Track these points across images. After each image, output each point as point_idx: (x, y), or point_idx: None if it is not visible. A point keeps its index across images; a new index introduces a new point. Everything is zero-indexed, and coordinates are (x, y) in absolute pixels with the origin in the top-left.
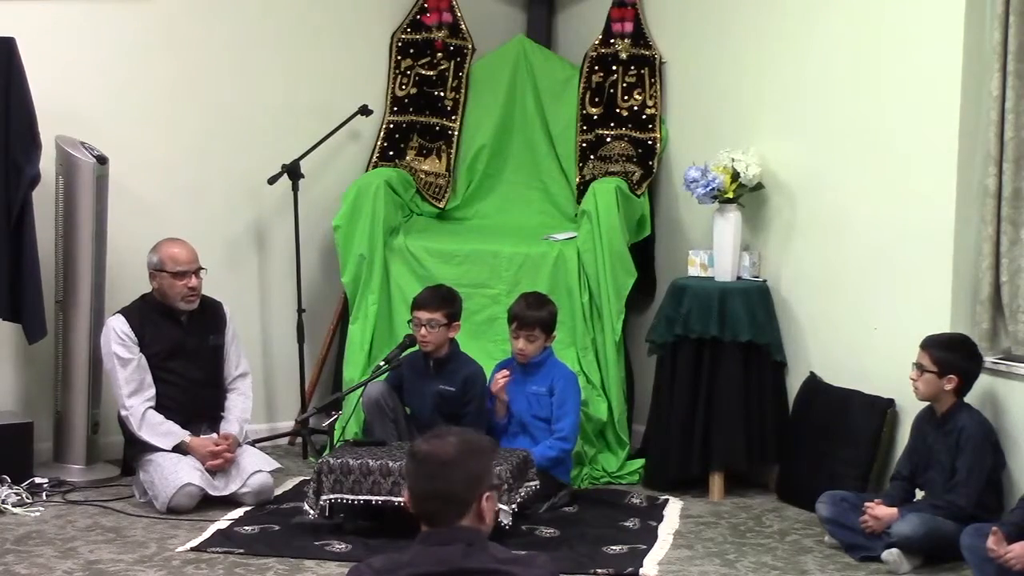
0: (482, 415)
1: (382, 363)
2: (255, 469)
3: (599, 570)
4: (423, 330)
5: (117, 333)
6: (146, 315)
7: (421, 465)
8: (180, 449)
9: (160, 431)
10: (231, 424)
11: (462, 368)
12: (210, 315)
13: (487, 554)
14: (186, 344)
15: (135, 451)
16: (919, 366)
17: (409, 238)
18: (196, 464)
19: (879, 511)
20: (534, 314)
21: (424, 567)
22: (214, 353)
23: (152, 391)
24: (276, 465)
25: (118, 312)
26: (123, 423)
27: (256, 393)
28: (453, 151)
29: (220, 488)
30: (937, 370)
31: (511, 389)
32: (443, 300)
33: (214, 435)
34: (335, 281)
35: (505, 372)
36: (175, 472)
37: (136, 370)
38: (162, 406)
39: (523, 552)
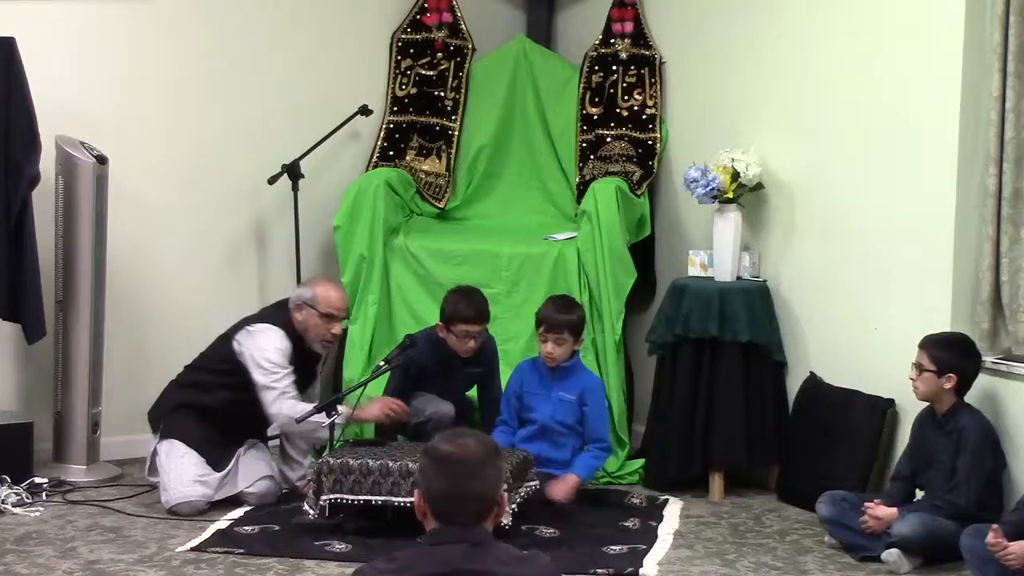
0: (499, 386)
1: (382, 363)
2: (262, 474)
3: (599, 570)
4: (471, 342)
5: (279, 347)
6: (293, 342)
7: (451, 466)
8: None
9: (314, 421)
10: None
11: (483, 347)
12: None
13: (490, 555)
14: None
15: (171, 424)
16: (918, 365)
17: (409, 238)
18: (214, 475)
19: (879, 511)
20: (563, 317)
21: (425, 568)
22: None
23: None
24: (278, 470)
25: (275, 326)
26: (179, 386)
27: None
28: (453, 151)
29: (226, 489)
30: (935, 369)
31: (536, 394)
32: (486, 310)
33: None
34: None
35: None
36: (191, 483)
37: (290, 383)
38: (223, 425)
39: (525, 552)
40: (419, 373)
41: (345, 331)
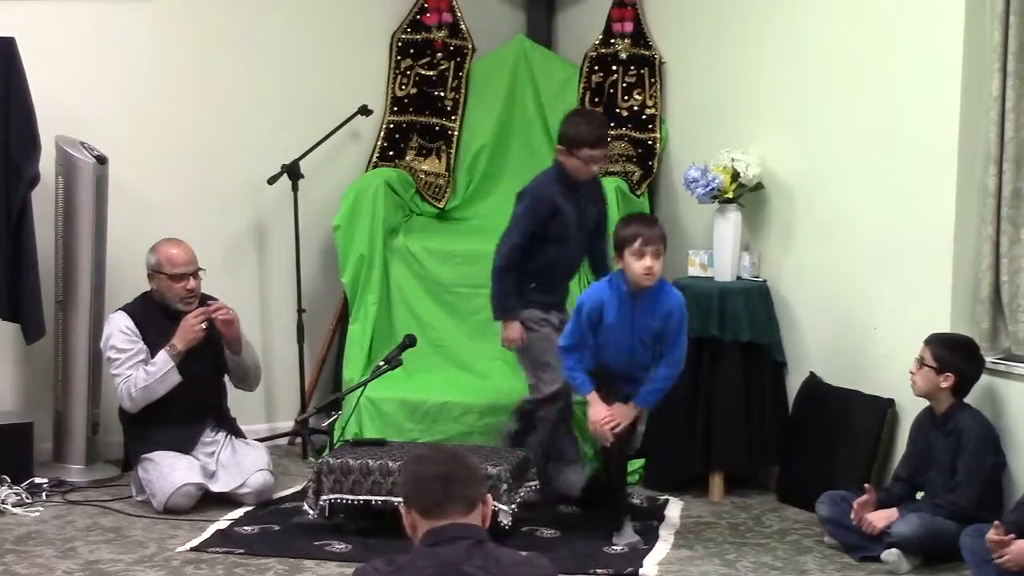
0: (608, 231)
1: (382, 363)
2: (257, 468)
3: (599, 570)
4: (595, 167)
5: (120, 329)
6: (147, 313)
7: (431, 457)
8: (180, 369)
9: (154, 373)
10: None
11: (592, 184)
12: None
13: (490, 555)
14: (192, 348)
15: (134, 448)
16: (920, 360)
17: (409, 238)
18: (195, 463)
19: (874, 518)
20: (655, 227)
21: (427, 570)
22: (215, 350)
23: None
24: (269, 460)
25: (119, 309)
26: (123, 416)
27: (256, 393)
28: (453, 151)
29: (221, 484)
30: (936, 366)
31: (616, 328)
32: (607, 133)
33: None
34: (335, 281)
35: None
36: (173, 472)
37: (136, 363)
38: (166, 403)
39: (524, 553)
40: (553, 213)
41: (345, 331)
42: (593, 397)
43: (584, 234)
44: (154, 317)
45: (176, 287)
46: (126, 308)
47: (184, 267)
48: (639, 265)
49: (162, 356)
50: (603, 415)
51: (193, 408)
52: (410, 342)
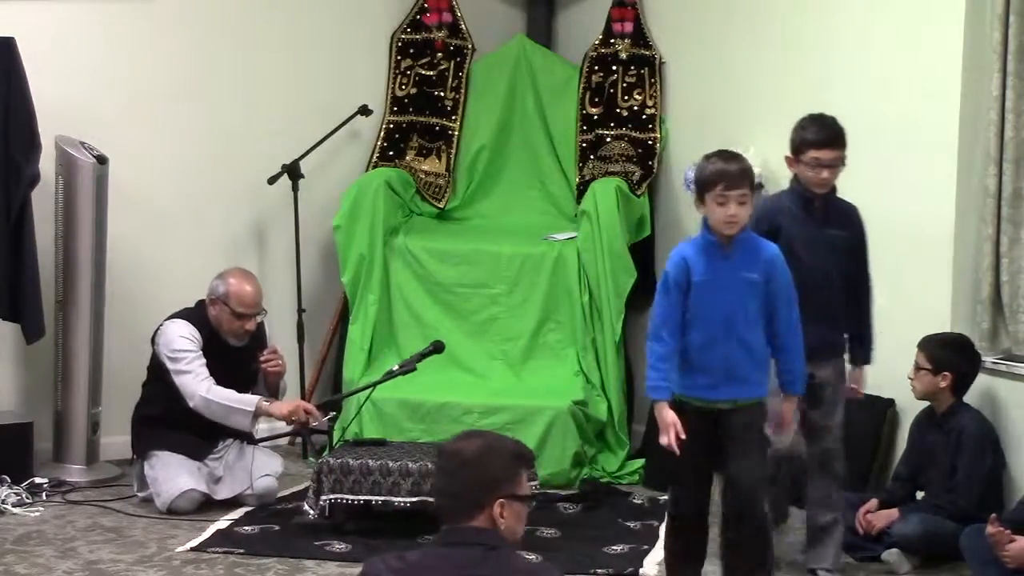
0: (867, 261)
1: (395, 368)
2: (263, 473)
3: (599, 570)
4: (825, 173)
5: (182, 334)
6: (202, 331)
7: (441, 461)
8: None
9: (234, 400)
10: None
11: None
12: (255, 339)
13: (504, 561)
14: (231, 373)
15: (145, 442)
16: (916, 364)
17: (409, 238)
18: (202, 468)
19: (873, 518)
20: (739, 166)
21: (442, 570)
22: (252, 376)
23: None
24: (280, 469)
25: (178, 317)
26: (138, 412)
27: None
28: (453, 151)
29: (226, 489)
30: (931, 367)
31: (707, 287)
32: (842, 136)
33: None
34: (335, 281)
35: None
36: (179, 475)
37: (203, 364)
38: (190, 416)
39: (536, 562)
40: (778, 225)
41: (346, 331)
42: (662, 406)
43: (821, 250)
44: (206, 337)
45: (236, 324)
46: (185, 317)
47: (251, 308)
48: (721, 212)
49: (252, 399)
50: (671, 421)
51: (212, 429)
52: (436, 349)
